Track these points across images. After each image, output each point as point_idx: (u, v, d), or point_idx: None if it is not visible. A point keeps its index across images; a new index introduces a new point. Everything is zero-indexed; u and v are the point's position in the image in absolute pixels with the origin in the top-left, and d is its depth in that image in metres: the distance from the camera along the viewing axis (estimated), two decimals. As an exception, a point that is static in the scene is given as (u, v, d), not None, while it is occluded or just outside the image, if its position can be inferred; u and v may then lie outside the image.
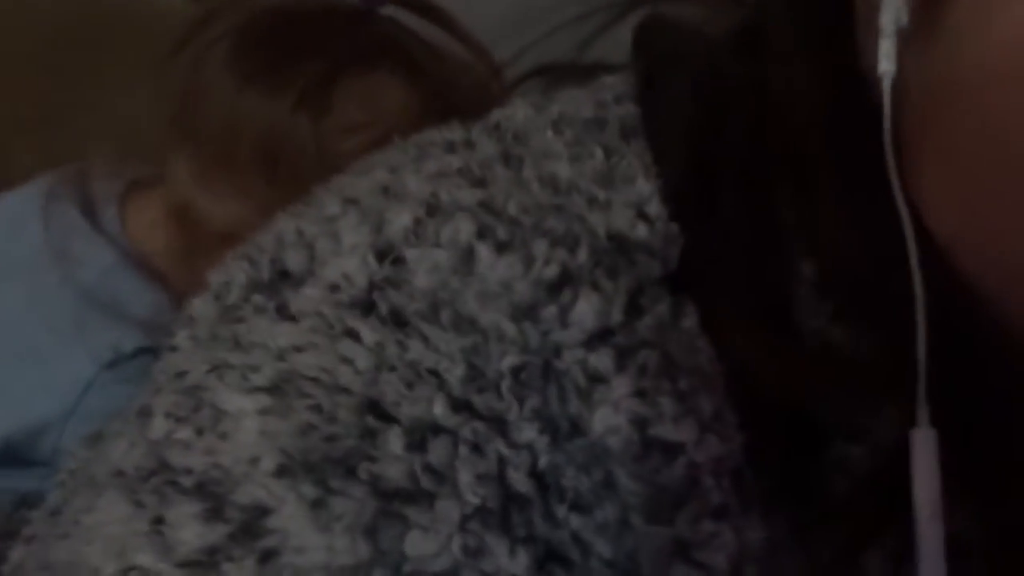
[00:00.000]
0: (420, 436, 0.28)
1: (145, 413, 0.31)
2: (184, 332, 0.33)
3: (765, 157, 0.32)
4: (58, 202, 0.79)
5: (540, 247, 0.29)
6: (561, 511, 0.28)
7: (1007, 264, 0.28)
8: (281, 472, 0.27)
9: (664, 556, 0.29)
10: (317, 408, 0.28)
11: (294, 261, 0.31)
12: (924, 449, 0.28)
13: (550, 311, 0.29)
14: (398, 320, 0.29)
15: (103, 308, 0.74)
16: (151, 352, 0.69)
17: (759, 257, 0.31)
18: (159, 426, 0.30)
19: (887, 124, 0.29)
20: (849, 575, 0.30)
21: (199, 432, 0.29)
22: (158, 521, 0.28)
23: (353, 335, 0.29)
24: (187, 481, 0.28)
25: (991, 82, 0.27)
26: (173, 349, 0.33)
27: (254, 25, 0.76)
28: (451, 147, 0.33)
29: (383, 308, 0.29)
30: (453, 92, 0.74)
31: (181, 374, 0.31)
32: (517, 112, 0.35)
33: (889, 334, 0.29)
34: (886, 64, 0.29)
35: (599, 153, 0.32)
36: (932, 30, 0.29)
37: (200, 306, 0.33)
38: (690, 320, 0.30)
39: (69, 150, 0.82)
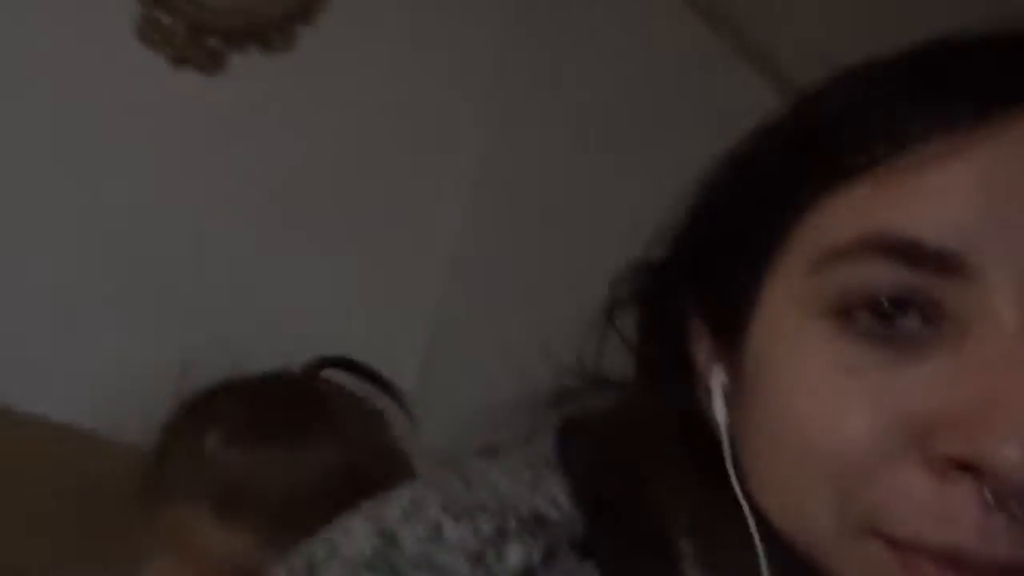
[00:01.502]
0: None
1: None
2: None
3: (648, 474, 0.47)
4: None
5: (483, 517, 0.45)
6: None
7: (808, 534, 0.42)
8: None
9: None
10: None
11: (320, 553, 0.45)
12: None
13: (491, 555, 0.43)
14: (394, 571, 0.43)
15: None
16: None
17: (647, 537, 0.45)
18: None
19: (727, 450, 0.45)
20: None
21: None
22: None
23: None
24: None
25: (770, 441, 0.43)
26: None
27: (252, 404, 0.94)
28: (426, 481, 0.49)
29: (384, 566, 0.43)
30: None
31: None
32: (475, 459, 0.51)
33: None
34: (719, 411, 0.46)
35: (527, 474, 0.48)
36: (741, 393, 0.46)
37: None
38: (591, 571, 0.44)
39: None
